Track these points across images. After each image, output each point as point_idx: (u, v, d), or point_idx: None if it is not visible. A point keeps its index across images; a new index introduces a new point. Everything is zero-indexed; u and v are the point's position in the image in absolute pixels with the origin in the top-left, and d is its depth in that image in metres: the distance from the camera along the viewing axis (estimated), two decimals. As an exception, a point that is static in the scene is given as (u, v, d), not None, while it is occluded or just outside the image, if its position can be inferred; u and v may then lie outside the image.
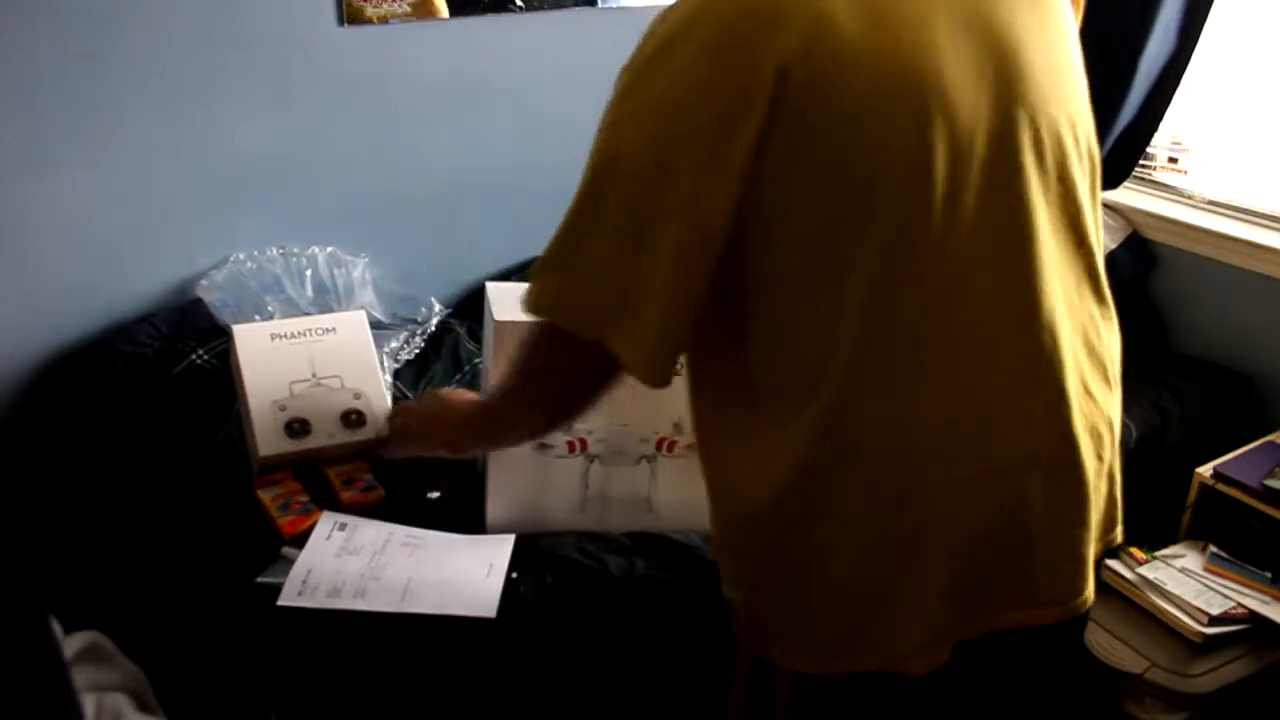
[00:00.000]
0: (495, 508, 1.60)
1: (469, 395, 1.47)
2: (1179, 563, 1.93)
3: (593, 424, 1.53)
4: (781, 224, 0.96)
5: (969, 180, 0.95)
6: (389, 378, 1.99)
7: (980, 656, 1.11)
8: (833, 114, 0.92)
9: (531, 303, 1.02)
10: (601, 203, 0.98)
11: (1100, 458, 1.08)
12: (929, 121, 0.93)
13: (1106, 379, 1.10)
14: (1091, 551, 1.10)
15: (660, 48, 0.96)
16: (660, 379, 1.00)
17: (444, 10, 2.19)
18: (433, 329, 2.19)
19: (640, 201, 0.95)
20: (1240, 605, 1.84)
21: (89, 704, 1.22)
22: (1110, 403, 1.11)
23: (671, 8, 0.98)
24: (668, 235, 0.94)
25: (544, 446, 1.54)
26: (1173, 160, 2.38)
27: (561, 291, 1.01)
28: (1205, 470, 1.97)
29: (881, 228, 0.95)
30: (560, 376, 1.10)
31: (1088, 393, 1.06)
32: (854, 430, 0.99)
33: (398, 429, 1.63)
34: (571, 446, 1.56)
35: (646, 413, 1.54)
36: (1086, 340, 1.07)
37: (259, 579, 1.53)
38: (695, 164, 0.93)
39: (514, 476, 1.57)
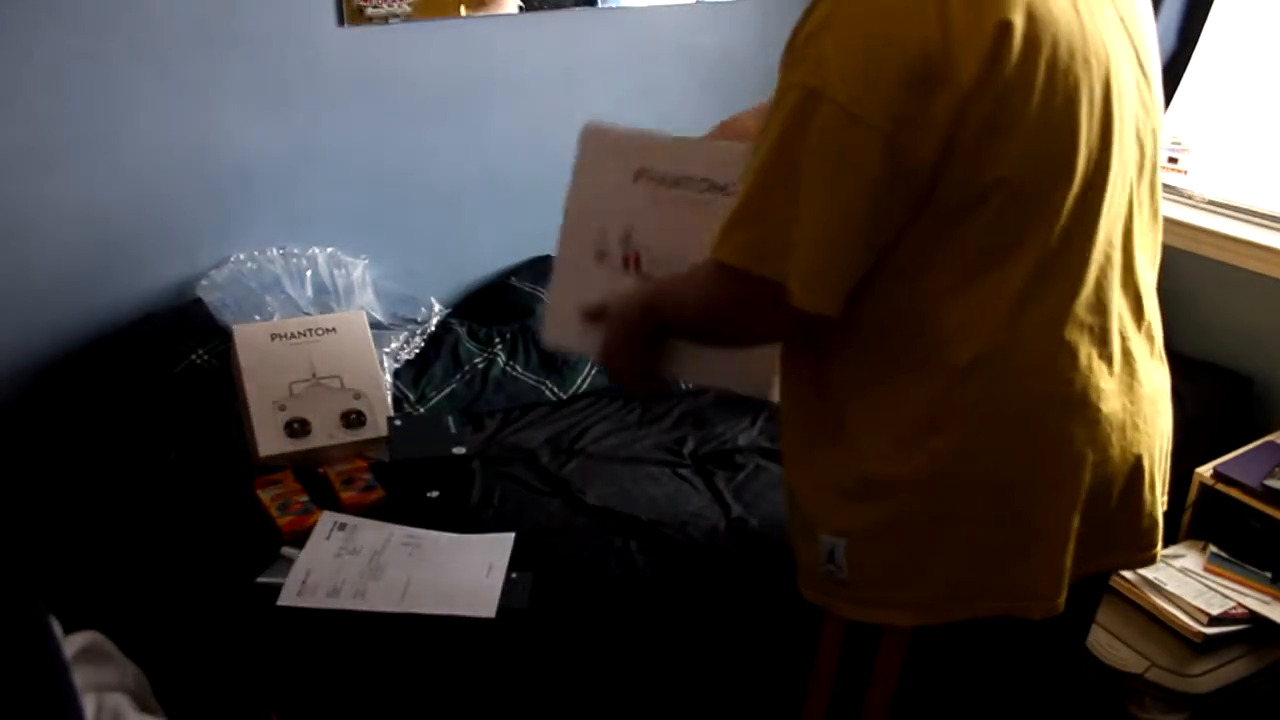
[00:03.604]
0: (555, 318, 1.45)
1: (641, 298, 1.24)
2: (1179, 563, 1.93)
3: (648, 241, 1.38)
4: (979, 175, 0.94)
5: (1128, 155, 1.03)
6: (389, 378, 1.99)
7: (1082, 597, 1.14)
8: (1037, 80, 0.93)
9: (723, 250, 1.00)
10: (801, 136, 0.93)
11: (1166, 423, 1.16)
12: (1109, 92, 0.98)
13: (1161, 354, 1.17)
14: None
15: None
16: (832, 306, 0.98)
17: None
18: (433, 329, 2.19)
19: (836, 137, 0.91)
20: (1240, 605, 1.84)
21: (89, 704, 1.21)
22: (1166, 373, 1.17)
23: None
24: (860, 175, 0.92)
25: (602, 255, 1.39)
26: (1173, 160, 2.38)
27: (752, 243, 0.98)
28: (1205, 470, 1.96)
29: (1067, 191, 0.98)
30: (735, 323, 1.08)
31: (1161, 359, 1.15)
32: (999, 382, 1.01)
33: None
34: (626, 262, 1.39)
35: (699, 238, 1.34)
36: (1156, 314, 1.14)
37: (259, 579, 1.53)
38: (900, 110, 0.90)
39: (573, 291, 1.41)
